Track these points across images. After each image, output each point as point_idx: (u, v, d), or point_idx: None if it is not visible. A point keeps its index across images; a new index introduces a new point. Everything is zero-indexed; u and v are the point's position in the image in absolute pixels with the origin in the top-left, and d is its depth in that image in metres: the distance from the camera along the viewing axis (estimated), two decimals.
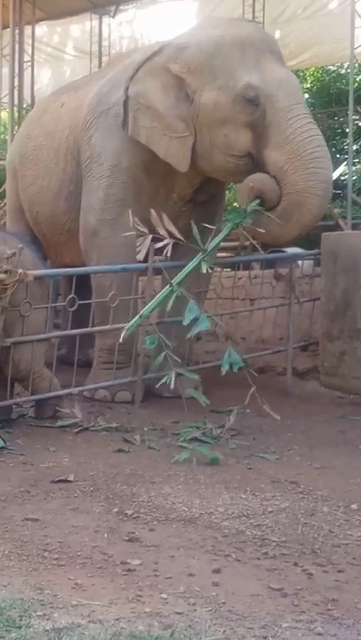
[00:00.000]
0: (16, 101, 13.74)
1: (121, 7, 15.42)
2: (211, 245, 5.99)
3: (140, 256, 5.87)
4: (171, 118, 6.15)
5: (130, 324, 5.79)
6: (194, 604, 2.95)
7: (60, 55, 16.35)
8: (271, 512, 4.00)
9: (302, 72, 16.28)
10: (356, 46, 9.18)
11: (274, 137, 5.84)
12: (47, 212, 7.44)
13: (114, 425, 5.62)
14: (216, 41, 6.07)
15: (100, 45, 15.20)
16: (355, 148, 9.18)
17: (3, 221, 9.23)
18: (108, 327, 6.26)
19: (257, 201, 5.98)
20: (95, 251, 6.62)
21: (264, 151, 5.90)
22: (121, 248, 6.45)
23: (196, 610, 2.91)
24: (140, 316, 5.83)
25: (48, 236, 7.64)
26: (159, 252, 6.02)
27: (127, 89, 6.32)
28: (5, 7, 13.49)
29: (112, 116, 6.57)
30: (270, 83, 5.91)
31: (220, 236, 6.15)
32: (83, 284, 6.58)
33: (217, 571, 3.28)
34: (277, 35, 12.30)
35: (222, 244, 10.10)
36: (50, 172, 7.31)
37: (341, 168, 12.65)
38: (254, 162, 6.00)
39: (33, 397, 5.72)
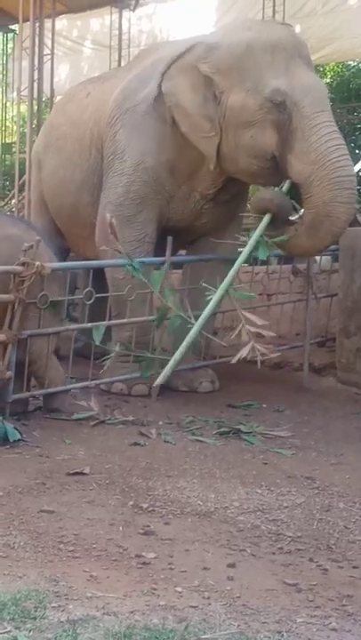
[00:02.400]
0: (35, 95, 13.76)
1: (141, 1, 15.41)
2: (234, 268, 6.13)
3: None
4: (198, 118, 6.16)
5: (182, 347, 5.95)
6: (208, 598, 2.96)
7: (78, 49, 16.36)
8: (287, 507, 4.00)
9: (322, 67, 16.21)
10: None
11: (298, 143, 5.84)
12: (69, 205, 7.42)
13: (130, 418, 5.62)
14: (247, 43, 6.05)
15: (119, 39, 15.20)
16: None
17: (21, 214, 9.22)
18: (124, 321, 6.26)
19: (268, 217, 6.06)
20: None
21: (288, 157, 5.90)
22: (136, 244, 6.47)
23: (210, 604, 2.91)
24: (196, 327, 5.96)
25: (70, 229, 7.63)
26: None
27: (159, 85, 6.32)
28: (26, 0, 13.49)
29: (139, 114, 6.55)
30: (298, 89, 5.90)
31: (240, 260, 6.19)
32: (101, 278, 6.57)
33: (232, 565, 3.28)
34: (297, 29, 12.23)
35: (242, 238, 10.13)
36: (73, 163, 7.28)
37: (360, 164, 12.59)
38: (278, 166, 6.01)
39: (49, 390, 5.72)
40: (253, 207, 6.37)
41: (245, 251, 6.20)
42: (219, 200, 6.66)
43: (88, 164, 7.07)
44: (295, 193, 6.18)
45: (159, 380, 5.90)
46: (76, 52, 16.41)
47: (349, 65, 16.85)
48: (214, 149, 6.13)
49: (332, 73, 17.07)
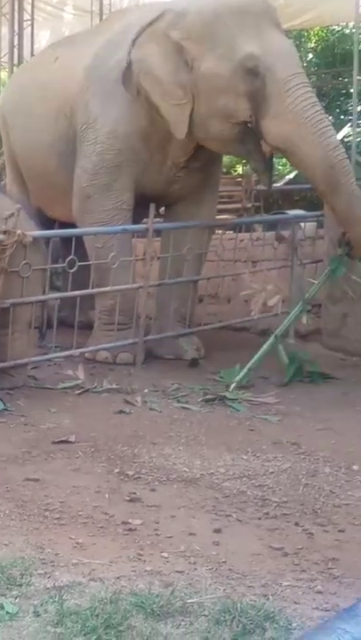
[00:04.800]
0: (15, 61, 13.58)
1: None
2: (310, 293, 6.21)
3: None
4: (170, 85, 6.08)
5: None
6: (194, 563, 2.97)
7: (59, 14, 16.11)
8: (272, 473, 4.01)
9: (306, 32, 16.05)
10: None
11: (273, 107, 5.80)
12: (39, 167, 7.38)
13: (115, 386, 5.61)
14: (216, 9, 5.98)
15: (100, 4, 14.96)
16: (359, 109, 9.08)
17: (3, 182, 9.12)
18: (107, 289, 6.23)
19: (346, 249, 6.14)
20: (88, 214, 6.59)
21: (263, 121, 5.85)
22: (114, 212, 6.45)
23: (196, 569, 2.92)
24: (275, 337, 5.95)
25: (41, 190, 7.58)
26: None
27: (129, 53, 6.23)
28: None
29: (110, 82, 6.48)
30: (270, 52, 5.85)
31: (316, 287, 6.24)
32: (82, 246, 6.54)
33: (218, 530, 3.29)
34: None
35: (224, 206, 10.08)
36: (41, 127, 7.21)
37: (346, 129, 12.53)
38: (251, 132, 5.97)
39: (37, 359, 5.69)
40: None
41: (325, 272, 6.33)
42: (192, 167, 6.63)
43: (55, 128, 7.01)
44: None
45: (237, 379, 5.72)
46: (57, 18, 16.15)
47: (334, 29, 16.67)
48: (187, 117, 6.06)
49: (316, 38, 16.89)
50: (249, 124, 5.93)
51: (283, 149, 6.03)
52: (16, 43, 13.46)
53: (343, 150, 5.95)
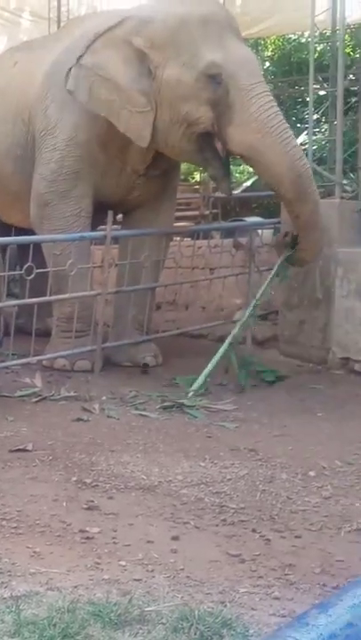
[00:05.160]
0: None
1: None
2: (256, 299, 6.28)
3: None
4: (132, 92, 6.08)
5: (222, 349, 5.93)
6: (152, 571, 2.97)
7: (16, 20, 16.04)
8: (230, 479, 4.02)
9: (263, 40, 16.16)
10: (316, 14, 9.13)
11: (237, 115, 5.84)
12: None
13: (73, 394, 5.59)
14: (181, 17, 6.01)
15: (58, 11, 14.92)
16: (315, 117, 9.16)
17: None
18: (66, 296, 6.21)
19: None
20: (46, 221, 6.56)
21: (227, 129, 5.89)
22: (73, 218, 6.45)
23: (154, 576, 2.92)
24: (229, 343, 5.96)
25: None
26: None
27: (80, 58, 6.20)
28: None
29: None
30: (233, 61, 5.90)
31: (260, 292, 6.31)
32: (39, 253, 6.51)
33: (175, 538, 3.30)
34: (238, 2, 12.17)
35: (182, 213, 10.10)
36: None
37: (302, 137, 12.63)
38: (209, 140, 6.01)
39: None
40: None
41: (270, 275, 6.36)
42: (151, 174, 6.64)
43: (12, 134, 6.97)
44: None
45: (194, 387, 5.74)
46: (14, 24, 16.06)
47: (290, 38, 16.80)
48: (150, 124, 6.07)
49: (273, 46, 17.01)
50: (211, 132, 5.96)
51: (246, 157, 6.09)
52: None
53: (306, 159, 6.04)
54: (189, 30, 5.97)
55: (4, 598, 2.67)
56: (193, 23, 5.98)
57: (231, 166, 6.83)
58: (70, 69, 6.18)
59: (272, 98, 6.08)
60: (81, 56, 6.16)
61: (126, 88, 6.08)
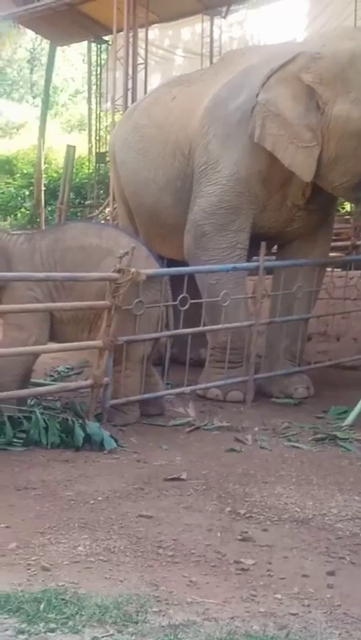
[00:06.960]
0: (130, 103, 13.91)
1: (232, 8, 15.39)
2: None
3: None
4: (299, 127, 6.11)
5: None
6: (308, 606, 2.94)
7: (170, 57, 16.45)
8: None
9: None
10: None
11: None
12: (150, 205, 7.47)
13: (226, 424, 5.63)
14: (351, 53, 6.01)
15: (211, 47, 15.21)
16: None
17: (116, 222, 9.32)
18: (220, 326, 6.26)
19: None
20: (202, 252, 6.64)
21: None
22: (228, 250, 6.51)
23: (310, 611, 2.89)
24: None
25: (149, 228, 7.68)
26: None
27: (257, 95, 6.29)
28: (120, 11, 13.65)
29: (232, 124, 6.54)
30: None
31: None
32: (191, 284, 6.60)
33: (331, 573, 3.26)
34: None
35: (333, 243, 10.01)
36: (156, 166, 7.32)
37: None
38: None
39: (148, 396, 5.73)
40: None
41: None
42: (310, 208, 6.63)
43: (172, 167, 7.10)
44: None
45: (348, 421, 5.73)
46: (168, 61, 16.49)
47: None
48: (315, 160, 6.08)
49: None
50: None
51: None
52: (130, 86, 13.81)
53: None
54: (358, 66, 5.96)
55: (163, 627, 2.71)
56: None
57: None
58: (253, 108, 6.28)
59: None
60: (258, 93, 6.26)
61: (293, 123, 6.11)
